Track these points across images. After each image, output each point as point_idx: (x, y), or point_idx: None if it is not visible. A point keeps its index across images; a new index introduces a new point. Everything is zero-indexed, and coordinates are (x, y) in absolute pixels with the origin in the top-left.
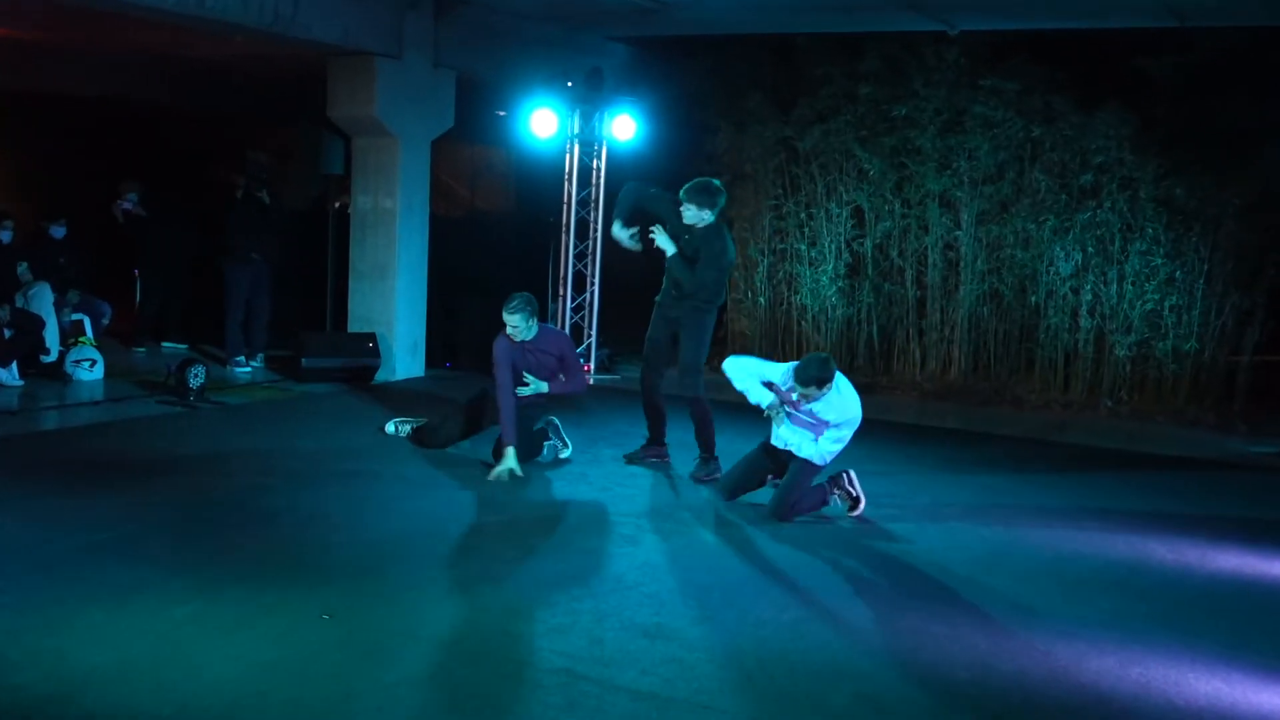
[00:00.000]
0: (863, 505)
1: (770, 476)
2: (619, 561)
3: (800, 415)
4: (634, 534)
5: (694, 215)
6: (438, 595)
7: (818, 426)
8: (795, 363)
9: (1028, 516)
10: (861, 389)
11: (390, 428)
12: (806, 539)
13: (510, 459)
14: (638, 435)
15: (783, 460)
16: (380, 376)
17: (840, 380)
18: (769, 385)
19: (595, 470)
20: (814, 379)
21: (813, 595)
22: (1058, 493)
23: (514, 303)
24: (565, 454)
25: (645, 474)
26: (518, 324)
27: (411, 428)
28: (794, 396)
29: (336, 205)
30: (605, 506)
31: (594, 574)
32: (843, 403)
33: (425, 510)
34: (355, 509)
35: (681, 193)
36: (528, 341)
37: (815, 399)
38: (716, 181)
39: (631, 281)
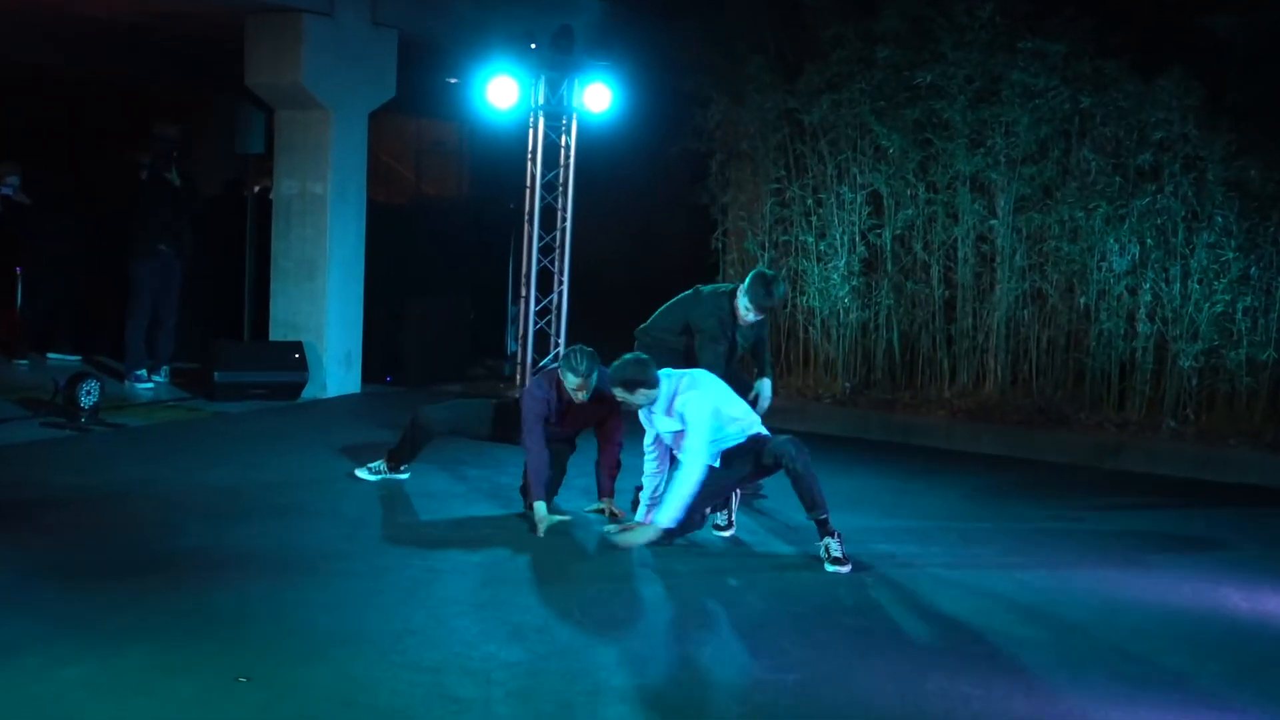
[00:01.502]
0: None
1: (709, 510)
2: (592, 613)
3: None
4: (609, 581)
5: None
6: (376, 654)
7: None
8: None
9: (1075, 556)
10: (880, 407)
11: (364, 473)
12: (810, 585)
13: (543, 511)
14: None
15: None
16: (308, 393)
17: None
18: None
19: (564, 504)
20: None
21: (820, 651)
22: (1111, 528)
23: (582, 363)
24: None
25: (625, 499)
26: (586, 384)
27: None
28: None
29: (255, 190)
30: (576, 548)
31: (562, 626)
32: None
33: (361, 550)
34: (279, 553)
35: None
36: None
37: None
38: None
39: (606, 280)
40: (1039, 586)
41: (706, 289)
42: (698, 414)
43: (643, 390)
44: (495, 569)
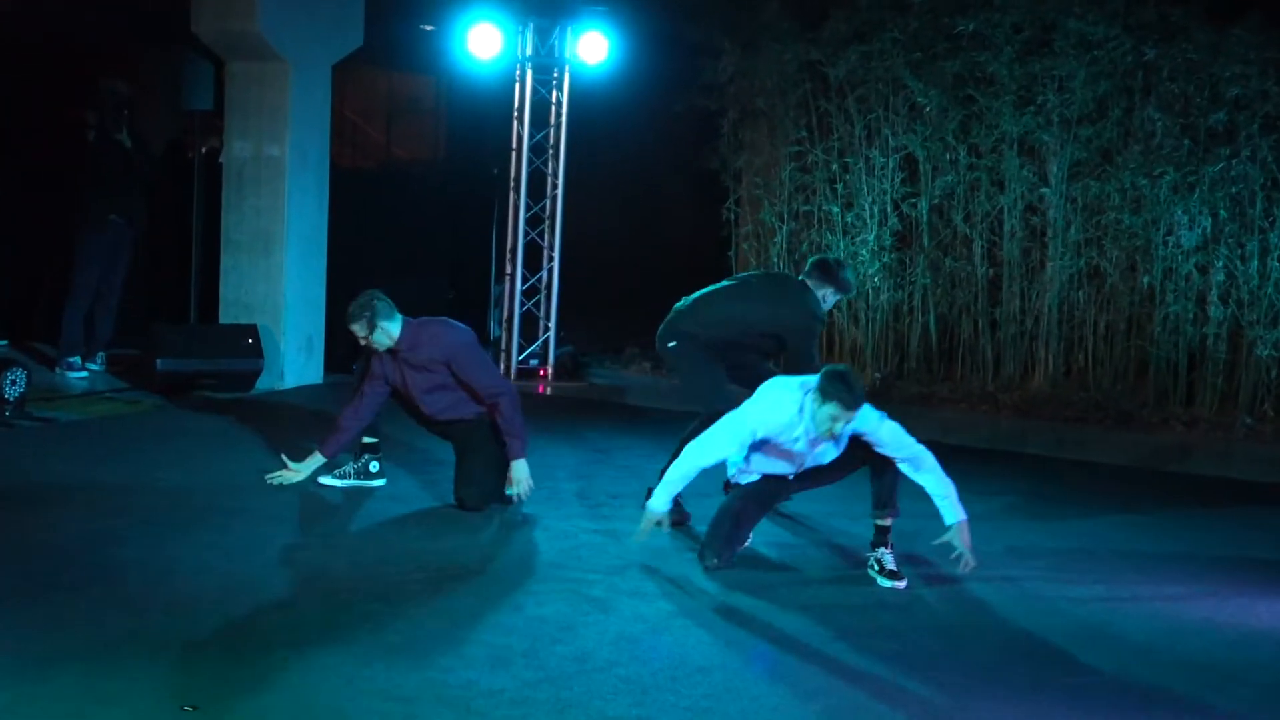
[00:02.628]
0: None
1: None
2: (585, 634)
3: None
4: (605, 597)
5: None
6: (339, 680)
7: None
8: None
9: (1137, 573)
10: (915, 401)
11: (330, 479)
12: (834, 602)
13: (312, 465)
14: (612, 465)
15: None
16: (263, 384)
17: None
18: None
19: (554, 512)
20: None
21: (848, 678)
22: (1178, 540)
23: (350, 310)
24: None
25: (620, 518)
26: (360, 332)
27: (357, 466)
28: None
29: (203, 152)
30: (567, 560)
31: (552, 650)
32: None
33: (323, 564)
34: (230, 563)
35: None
36: (399, 351)
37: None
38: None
39: (601, 255)
40: (1095, 606)
41: (791, 276)
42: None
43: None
44: (474, 584)
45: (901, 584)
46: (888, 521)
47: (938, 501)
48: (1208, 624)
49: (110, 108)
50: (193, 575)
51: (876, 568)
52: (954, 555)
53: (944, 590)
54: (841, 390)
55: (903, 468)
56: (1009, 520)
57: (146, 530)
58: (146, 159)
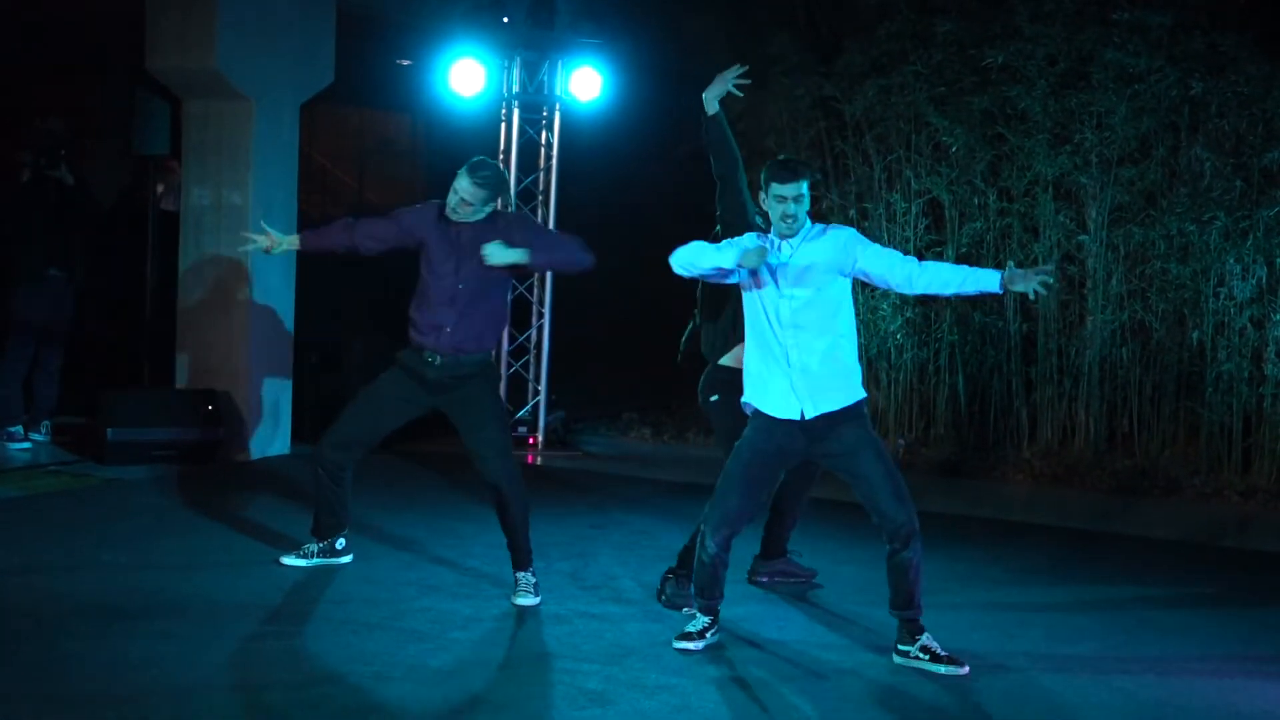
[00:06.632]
0: None
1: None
2: None
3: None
4: (602, 689)
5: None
6: None
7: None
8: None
9: (1190, 658)
10: (943, 470)
11: (293, 559)
12: (873, 697)
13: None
14: (609, 543)
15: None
16: (224, 455)
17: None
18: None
19: (546, 595)
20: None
21: None
22: (1235, 623)
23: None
24: None
25: (618, 600)
26: (468, 197)
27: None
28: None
29: (159, 197)
30: (560, 648)
31: None
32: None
33: (289, 656)
34: (185, 655)
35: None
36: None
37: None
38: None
39: (596, 311)
40: (1145, 695)
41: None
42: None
43: None
44: (458, 677)
45: (963, 670)
46: (915, 615)
47: (966, 280)
48: (1269, 716)
49: (45, 144)
50: (144, 669)
51: (927, 656)
52: (1034, 291)
53: (978, 678)
54: (771, 166)
55: (912, 277)
56: (1048, 597)
57: (89, 622)
58: (89, 199)
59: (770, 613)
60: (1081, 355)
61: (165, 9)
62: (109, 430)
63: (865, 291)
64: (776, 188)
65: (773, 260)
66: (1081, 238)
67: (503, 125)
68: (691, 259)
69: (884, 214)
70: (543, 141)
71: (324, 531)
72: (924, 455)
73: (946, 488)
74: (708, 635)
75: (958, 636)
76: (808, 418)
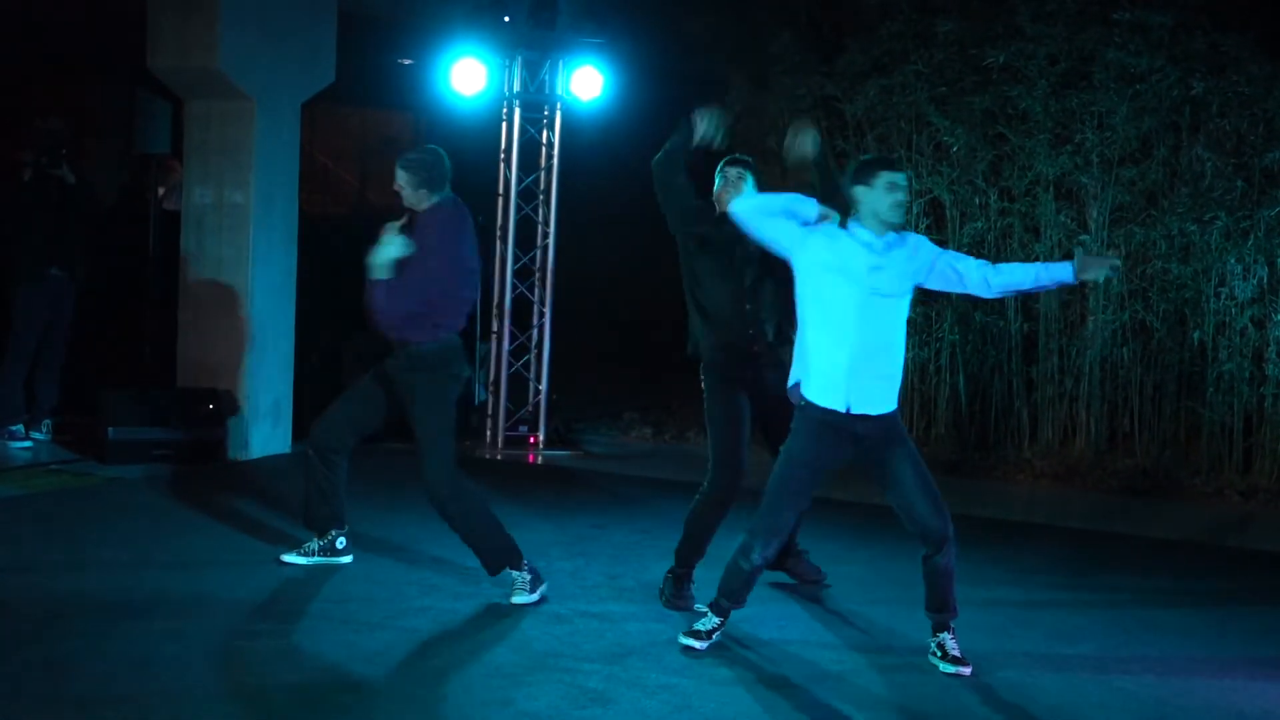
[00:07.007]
0: None
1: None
2: None
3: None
4: (603, 689)
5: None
6: None
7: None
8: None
9: (1191, 659)
10: (944, 470)
11: (294, 558)
12: (874, 696)
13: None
14: (609, 543)
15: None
16: (226, 454)
17: None
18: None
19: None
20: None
21: None
22: (1237, 623)
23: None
24: None
25: (618, 600)
26: (397, 182)
27: (322, 543)
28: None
29: (160, 197)
30: (561, 648)
31: None
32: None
33: (289, 653)
34: (186, 653)
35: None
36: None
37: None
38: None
39: (597, 310)
40: (1145, 696)
41: None
42: None
43: None
44: (457, 676)
45: (966, 670)
46: (948, 617)
47: (1040, 275)
48: (1271, 716)
49: (46, 144)
50: (144, 668)
51: (939, 653)
52: (1101, 275)
53: (978, 677)
54: (877, 158)
55: (988, 279)
56: (1049, 598)
57: (91, 621)
58: (91, 198)
59: (770, 613)
60: (1082, 355)
61: (166, 9)
62: (110, 429)
63: None
64: (889, 175)
65: (868, 256)
66: (1082, 237)
67: (504, 124)
68: (764, 203)
69: None
70: (544, 141)
71: (319, 523)
72: (925, 455)
73: (947, 487)
74: (714, 636)
75: (959, 637)
76: (853, 412)
